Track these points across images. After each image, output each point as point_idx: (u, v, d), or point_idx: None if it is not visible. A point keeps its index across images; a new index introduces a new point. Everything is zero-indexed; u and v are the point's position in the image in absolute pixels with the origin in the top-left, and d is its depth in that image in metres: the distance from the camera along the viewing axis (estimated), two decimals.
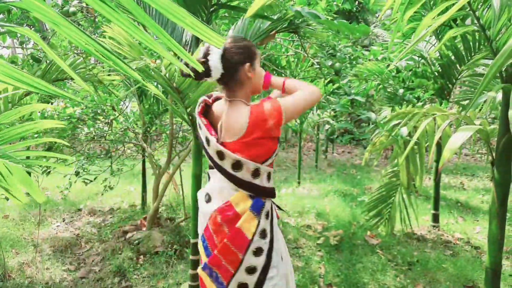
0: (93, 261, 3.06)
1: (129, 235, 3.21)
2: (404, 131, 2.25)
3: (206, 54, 1.42)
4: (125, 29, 0.93)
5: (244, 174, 1.44)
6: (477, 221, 4.29)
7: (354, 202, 4.96)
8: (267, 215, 1.47)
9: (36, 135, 2.40)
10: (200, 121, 1.51)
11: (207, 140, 1.48)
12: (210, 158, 1.50)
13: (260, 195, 1.47)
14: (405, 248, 3.41)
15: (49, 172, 3.17)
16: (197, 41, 2.33)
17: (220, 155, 1.45)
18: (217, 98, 1.62)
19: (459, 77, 3.60)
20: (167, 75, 1.86)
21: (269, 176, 1.50)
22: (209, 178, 1.59)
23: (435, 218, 3.97)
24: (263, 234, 1.46)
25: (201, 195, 1.58)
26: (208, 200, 1.52)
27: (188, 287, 2.46)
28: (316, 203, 4.84)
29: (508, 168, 2.02)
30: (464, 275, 2.87)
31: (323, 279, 2.81)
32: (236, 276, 1.44)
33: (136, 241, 3.11)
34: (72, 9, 2.33)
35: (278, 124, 1.41)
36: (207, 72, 1.43)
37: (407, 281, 2.81)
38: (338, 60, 2.50)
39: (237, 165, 1.43)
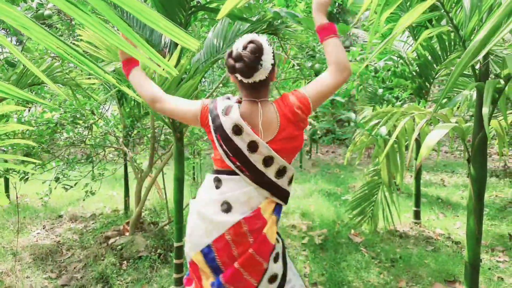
0: (74, 268, 3.00)
1: (111, 240, 3.16)
2: (383, 130, 2.28)
3: (257, 52, 1.31)
4: (97, 32, 0.92)
5: (284, 182, 1.41)
6: (457, 216, 4.39)
7: (338, 201, 5.01)
8: None
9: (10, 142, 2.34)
10: (244, 124, 1.36)
11: (253, 146, 1.35)
12: (247, 164, 1.37)
13: (285, 200, 1.45)
14: (388, 245, 3.46)
15: (27, 178, 3.10)
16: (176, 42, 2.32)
17: (268, 160, 1.37)
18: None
19: (436, 76, 3.68)
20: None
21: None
22: (218, 183, 1.43)
23: (417, 215, 4.04)
24: (278, 238, 1.45)
25: (213, 203, 1.40)
26: (228, 209, 1.38)
27: None
28: (300, 203, 4.87)
29: (484, 164, 2.08)
30: (446, 270, 2.93)
31: (308, 278, 2.83)
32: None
33: (119, 247, 3.06)
34: (47, 12, 2.29)
35: (307, 113, 1.39)
36: (255, 71, 1.33)
37: (391, 277, 2.86)
38: (318, 61, 2.53)
39: (282, 171, 1.40)
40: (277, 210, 1.43)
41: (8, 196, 4.97)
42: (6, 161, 3.44)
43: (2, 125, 1.20)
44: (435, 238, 3.67)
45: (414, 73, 3.69)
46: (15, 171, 3.09)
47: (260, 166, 1.37)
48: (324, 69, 2.66)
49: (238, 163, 1.37)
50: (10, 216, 4.19)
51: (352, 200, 3.86)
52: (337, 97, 2.26)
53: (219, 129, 1.37)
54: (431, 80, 3.73)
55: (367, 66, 2.71)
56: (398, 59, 3.88)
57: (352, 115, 2.27)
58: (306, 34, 2.42)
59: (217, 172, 1.43)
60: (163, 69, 1.37)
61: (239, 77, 1.36)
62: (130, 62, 1.49)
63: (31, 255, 3.22)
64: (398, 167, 2.98)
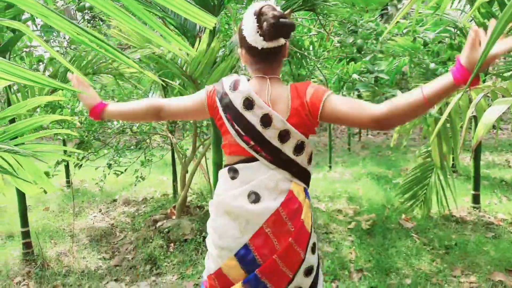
0: (126, 249, 3.16)
1: (159, 223, 3.28)
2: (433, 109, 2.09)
3: (280, 16, 1.19)
4: (127, 25, 0.91)
5: (303, 159, 1.30)
6: None
7: (388, 185, 4.79)
8: None
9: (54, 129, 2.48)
10: (255, 96, 1.26)
11: (267, 120, 1.25)
12: (262, 142, 1.26)
13: (307, 182, 1.35)
14: (442, 231, 3.24)
15: (81, 165, 3.29)
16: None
17: (284, 135, 1.25)
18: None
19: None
20: (178, 63, 1.84)
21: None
22: (234, 174, 1.31)
23: (476, 199, 3.74)
24: (313, 227, 1.34)
25: (238, 197, 1.27)
26: (257, 199, 1.26)
27: None
28: (348, 187, 4.72)
29: None
30: (507, 258, 2.69)
31: (354, 264, 2.74)
32: (294, 281, 1.26)
33: (166, 230, 3.17)
34: (88, 4, 2.35)
35: (312, 118, 1.25)
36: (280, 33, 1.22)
37: (444, 265, 2.67)
38: (360, 37, 2.36)
39: (300, 147, 1.27)
40: (307, 194, 1.34)
41: (68, 182, 5.35)
42: (65, 151, 3.69)
43: (40, 116, 1.24)
44: (497, 223, 3.38)
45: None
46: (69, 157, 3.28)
47: (275, 142, 1.25)
48: (371, 44, 2.48)
49: (252, 142, 1.25)
50: (69, 200, 4.51)
51: (403, 183, 3.65)
52: (381, 74, 2.11)
53: (229, 106, 1.27)
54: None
55: (415, 39, 2.49)
56: (455, 30, 3.54)
57: (398, 93, 2.11)
58: (346, 8, 2.27)
59: (230, 163, 1.32)
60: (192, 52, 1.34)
61: (256, 43, 1.22)
62: (97, 107, 1.40)
63: (88, 237, 3.44)
64: (450, 147, 2.76)
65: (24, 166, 1.31)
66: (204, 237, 3.13)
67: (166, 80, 1.59)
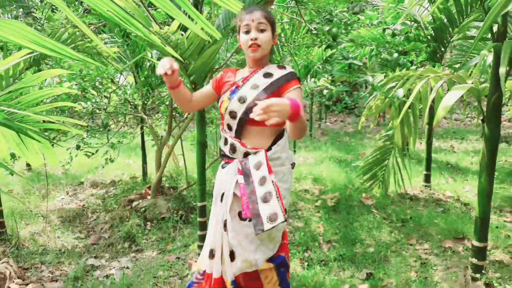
0: (101, 228, 3.18)
1: (135, 203, 3.32)
2: (400, 92, 2.34)
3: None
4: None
5: None
6: (467, 180, 4.48)
7: (348, 168, 5.12)
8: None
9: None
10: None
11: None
12: None
13: None
14: (398, 207, 3.58)
15: (53, 144, 3.22)
16: (195, 7, 2.35)
17: None
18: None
19: (451, 40, 3.67)
20: (172, 40, 1.91)
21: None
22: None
23: (427, 178, 4.14)
24: None
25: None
26: None
27: (197, 247, 2.60)
28: (312, 170, 4.98)
29: (498, 124, 2.14)
30: (455, 228, 3.05)
31: (323, 237, 2.98)
32: None
33: (143, 209, 3.22)
34: None
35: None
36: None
37: (401, 235, 2.99)
38: (335, 25, 2.55)
39: None
40: None
41: (29, 165, 5.15)
42: (44, 121, 3.57)
43: (50, 89, 1.29)
44: (445, 200, 3.78)
45: (429, 37, 3.68)
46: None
47: None
48: (340, 33, 2.68)
49: None
50: (34, 183, 4.37)
51: (364, 165, 3.96)
52: (355, 61, 2.31)
53: None
54: (446, 44, 3.71)
55: (384, 30, 2.72)
56: (412, 23, 3.85)
57: (370, 78, 2.32)
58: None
59: None
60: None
61: None
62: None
63: (59, 218, 3.40)
64: (411, 131, 3.05)
65: (28, 139, 1.35)
66: (181, 216, 3.23)
67: (157, 62, 1.64)
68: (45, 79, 3.25)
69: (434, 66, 3.37)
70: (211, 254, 1.60)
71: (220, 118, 1.70)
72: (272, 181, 1.50)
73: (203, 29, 1.90)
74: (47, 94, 1.31)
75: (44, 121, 1.52)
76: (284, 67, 1.63)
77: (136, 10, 1.72)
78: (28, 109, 1.32)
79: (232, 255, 1.54)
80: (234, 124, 1.59)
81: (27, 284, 2.36)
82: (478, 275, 2.26)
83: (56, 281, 2.42)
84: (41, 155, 1.42)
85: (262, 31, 1.54)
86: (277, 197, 1.49)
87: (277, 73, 1.60)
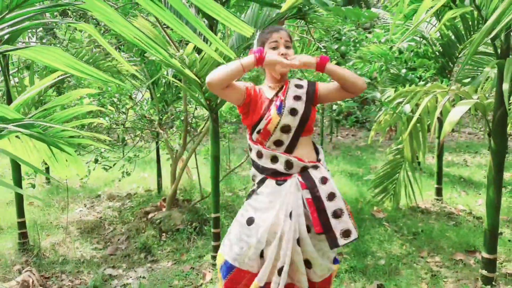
0: (118, 240, 3.29)
1: (150, 215, 3.43)
2: (407, 108, 2.41)
3: None
4: (170, 25, 1.11)
5: None
6: (479, 194, 4.47)
7: (360, 181, 5.15)
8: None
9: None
10: None
11: None
12: None
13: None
14: (410, 220, 3.61)
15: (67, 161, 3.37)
16: (210, 28, 2.49)
17: None
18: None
19: (460, 55, 3.74)
20: (186, 62, 2.03)
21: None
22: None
23: (438, 192, 4.15)
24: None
25: None
26: None
27: (211, 258, 2.68)
28: None
29: (504, 137, 2.19)
30: (466, 241, 3.07)
31: None
32: None
33: (158, 221, 3.32)
34: None
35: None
36: None
37: (413, 248, 3.02)
38: (343, 44, 2.65)
39: None
40: None
41: (48, 179, 5.33)
42: (72, 136, 3.74)
43: (79, 107, 1.41)
44: (457, 213, 3.79)
45: (437, 53, 3.75)
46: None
47: None
48: (349, 51, 2.78)
49: None
50: (52, 196, 4.53)
51: (375, 178, 4.00)
52: (363, 77, 2.40)
53: None
54: (455, 60, 3.78)
55: (391, 47, 2.82)
56: (421, 39, 3.94)
57: (377, 94, 2.41)
58: (333, 18, 2.55)
59: None
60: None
61: None
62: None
63: (78, 229, 3.52)
64: (420, 144, 3.11)
65: (62, 152, 1.47)
66: (195, 227, 3.32)
67: (174, 80, 1.77)
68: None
69: (442, 81, 3.44)
70: (280, 271, 1.57)
71: (233, 132, 1.77)
72: (343, 199, 1.62)
73: (217, 49, 2.04)
74: (77, 111, 1.43)
75: (71, 136, 1.64)
76: (301, 79, 1.83)
77: (155, 36, 1.86)
78: (61, 125, 1.45)
79: (307, 264, 1.62)
80: (287, 138, 1.64)
81: None
82: (488, 287, 2.28)
83: None
84: (69, 167, 1.54)
85: (288, 48, 1.67)
86: (349, 215, 1.59)
87: (304, 83, 1.75)
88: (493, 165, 2.21)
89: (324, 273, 1.67)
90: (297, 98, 1.67)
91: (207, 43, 2.25)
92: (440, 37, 3.69)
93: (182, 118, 3.41)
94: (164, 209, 3.54)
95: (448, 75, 3.86)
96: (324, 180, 1.60)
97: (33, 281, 2.49)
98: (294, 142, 1.64)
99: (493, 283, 2.29)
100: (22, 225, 2.95)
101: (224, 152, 5.32)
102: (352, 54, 2.96)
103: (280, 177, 1.63)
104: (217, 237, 2.61)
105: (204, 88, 2.33)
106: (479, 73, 4.28)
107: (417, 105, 2.79)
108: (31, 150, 1.51)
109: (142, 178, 5.41)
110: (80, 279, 2.66)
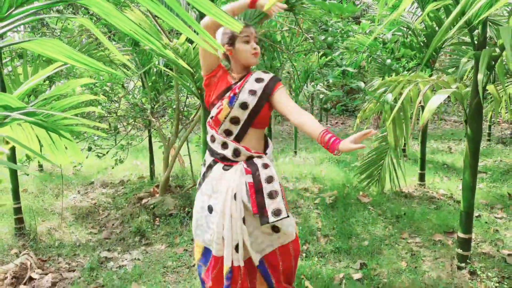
0: (113, 224, 3.39)
1: (144, 201, 3.53)
2: (389, 97, 2.53)
3: None
4: (164, 18, 1.20)
5: None
6: (461, 179, 4.65)
7: (347, 168, 5.31)
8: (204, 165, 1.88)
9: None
10: None
11: None
12: None
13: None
14: (393, 204, 3.77)
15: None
16: (201, 19, 2.56)
17: None
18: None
19: (443, 46, 3.86)
20: (179, 51, 2.11)
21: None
22: None
23: (421, 177, 4.33)
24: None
25: None
26: None
27: None
28: (312, 170, 5.18)
29: (479, 125, 2.33)
30: (446, 223, 3.24)
31: (321, 231, 3.17)
32: None
33: (151, 206, 3.42)
34: None
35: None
36: None
37: (395, 230, 3.18)
38: (330, 35, 2.75)
39: None
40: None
41: (41, 166, 5.37)
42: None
43: (77, 96, 1.49)
44: (438, 198, 3.97)
45: (422, 43, 3.88)
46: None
47: None
48: (336, 42, 2.88)
49: None
50: (47, 183, 4.59)
51: (361, 164, 4.15)
52: (348, 68, 2.51)
53: None
54: (438, 50, 3.91)
55: (376, 38, 2.92)
56: (407, 30, 4.06)
57: (361, 84, 2.52)
58: (319, 10, 2.64)
59: None
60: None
61: None
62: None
63: (72, 215, 3.61)
64: (403, 132, 3.24)
65: (62, 139, 1.55)
66: (188, 212, 3.43)
67: (165, 69, 1.84)
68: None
69: (426, 71, 3.56)
70: (236, 248, 1.72)
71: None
72: (280, 183, 1.74)
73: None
74: (76, 100, 1.51)
75: (69, 124, 1.72)
76: (267, 72, 1.84)
77: (148, 26, 1.93)
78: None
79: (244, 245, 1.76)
80: (235, 129, 1.74)
81: (46, 274, 2.56)
82: (463, 264, 2.45)
83: (73, 271, 2.63)
84: (68, 154, 1.63)
85: (256, 42, 1.76)
86: (282, 197, 1.73)
87: (266, 77, 1.79)
88: (469, 151, 2.36)
89: (263, 247, 1.81)
90: (252, 92, 1.73)
91: (198, 34, 2.33)
92: (424, 28, 3.81)
93: (174, 106, 3.48)
94: (157, 195, 3.64)
95: (432, 65, 3.99)
96: (265, 166, 1.75)
97: (31, 264, 2.59)
98: (243, 133, 1.74)
99: (468, 260, 2.46)
100: (18, 210, 3.03)
101: None
102: (339, 44, 3.06)
103: (227, 162, 1.76)
104: None
105: (195, 77, 2.41)
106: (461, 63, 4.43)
107: (401, 94, 2.92)
108: (32, 138, 1.59)
109: (135, 166, 5.49)
110: (77, 261, 2.76)
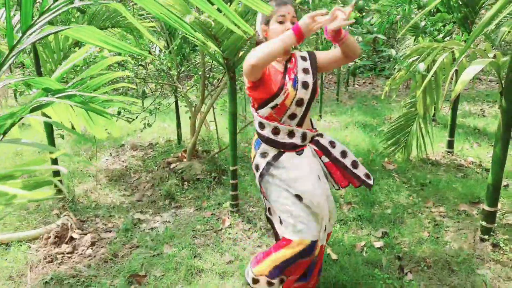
0: (144, 187, 3.56)
1: (172, 165, 3.66)
2: (421, 66, 2.44)
3: None
4: (196, 3, 1.19)
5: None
6: (492, 146, 4.52)
7: (373, 132, 5.25)
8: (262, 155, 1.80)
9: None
10: None
11: None
12: None
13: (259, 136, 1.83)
14: (419, 172, 3.75)
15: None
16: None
17: None
18: None
19: (483, 5, 3.61)
20: (212, 25, 2.10)
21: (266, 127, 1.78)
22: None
23: (450, 144, 4.24)
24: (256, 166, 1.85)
25: None
26: None
27: (229, 205, 2.92)
28: (337, 135, 5.15)
29: None
30: (472, 193, 3.21)
31: (344, 198, 3.22)
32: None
33: (180, 170, 3.56)
34: None
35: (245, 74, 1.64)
36: None
37: (419, 199, 3.19)
38: None
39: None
40: (256, 142, 1.87)
41: (74, 128, 5.60)
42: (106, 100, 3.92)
43: (110, 73, 1.54)
44: (466, 165, 3.90)
45: (460, 2, 3.63)
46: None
47: None
48: (367, 5, 2.75)
49: None
50: (81, 145, 4.81)
51: (388, 130, 4.09)
52: (379, 35, 2.41)
53: None
54: (477, 9, 3.66)
55: (410, 1, 2.77)
56: None
57: (393, 52, 2.43)
58: None
59: None
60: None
61: None
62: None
63: (106, 177, 3.81)
64: (433, 100, 3.15)
65: (95, 115, 1.62)
66: (214, 177, 3.55)
67: (195, 35, 1.81)
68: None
69: (463, 34, 3.37)
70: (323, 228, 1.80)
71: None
72: (350, 151, 1.88)
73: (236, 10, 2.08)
74: (108, 77, 1.56)
75: (105, 100, 1.78)
76: (302, 50, 1.86)
77: (179, 2, 1.91)
78: (94, 92, 1.59)
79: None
80: (300, 111, 1.72)
81: (85, 234, 2.77)
82: (486, 237, 2.46)
83: (110, 231, 2.83)
84: (104, 128, 1.71)
85: (293, 22, 1.68)
86: (360, 164, 1.89)
87: (306, 54, 1.82)
88: (502, 124, 2.28)
89: (334, 221, 1.96)
90: (305, 71, 1.74)
91: (228, 4, 2.29)
92: None
93: (200, 73, 3.49)
94: (185, 160, 3.76)
95: (470, 26, 3.76)
96: (332, 144, 1.84)
97: (71, 224, 2.79)
98: (306, 114, 1.75)
99: (491, 233, 2.47)
100: (56, 173, 3.22)
101: (240, 104, 5.43)
102: (370, 6, 2.92)
103: (297, 149, 1.76)
104: (235, 187, 2.82)
105: (222, 47, 2.40)
106: (504, 20, 4.14)
107: (434, 61, 2.80)
108: (71, 114, 1.67)
109: (162, 128, 5.63)
110: (112, 222, 2.96)
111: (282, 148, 1.76)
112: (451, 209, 3.00)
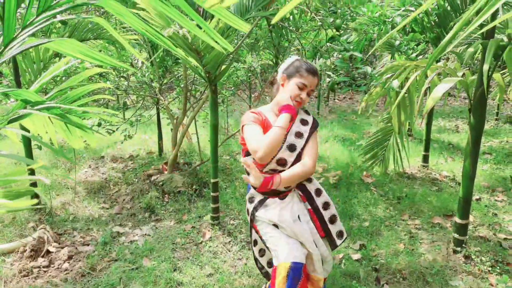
0: (124, 200, 3.53)
1: (153, 178, 3.65)
2: (395, 83, 2.55)
3: None
4: (175, 19, 1.23)
5: None
6: None
7: (352, 146, 5.36)
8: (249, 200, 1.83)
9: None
10: None
11: None
12: None
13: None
14: (396, 185, 3.85)
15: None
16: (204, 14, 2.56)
17: None
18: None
19: (454, 25, 3.80)
20: (189, 40, 2.14)
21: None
22: None
23: (425, 159, 4.38)
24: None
25: None
26: None
27: (210, 218, 2.93)
28: None
29: (482, 114, 2.36)
30: (446, 206, 3.32)
31: None
32: None
33: (160, 183, 3.54)
34: None
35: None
36: None
37: (395, 212, 3.28)
38: (338, 17, 2.73)
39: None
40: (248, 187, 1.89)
41: (52, 141, 5.50)
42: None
43: (90, 85, 1.55)
44: (440, 179, 4.03)
45: (433, 23, 3.81)
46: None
47: None
48: (345, 22, 2.86)
49: None
50: (60, 156, 4.73)
51: (366, 145, 4.20)
52: (355, 53, 2.51)
53: None
54: (449, 30, 3.85)
55: (384, 22, 2.89)
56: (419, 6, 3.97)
57: (368, 69, 2.53)
58: None
59: None
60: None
61: None
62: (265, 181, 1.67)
63: (85, 189, 3.75)
64: (408, 115, 3.27)
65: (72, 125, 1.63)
66: (195, 190, 3.55)
67: (176, 50, 1.84)
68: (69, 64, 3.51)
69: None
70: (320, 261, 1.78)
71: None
72: (332, 203, 1.85)
73: (217, 26, 2.12)
74: (89, 88, 1.57)
75: (84, 112, 1.79)
76: (308, 112, 1.87)
77: (160, 14, 1.95)
78: (74, 103, 1.60)
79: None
80: (281, 168, 1.70)
81: (62, 247, 2.72)
82: (459, 248, 2.55)
83: (88, 245, 2.78)
84: (82, 139, 1.72)
85: (309, 94, 1.73)
86: (338, 219, 1.86)
87: (309, 119, 1.82)
88: (470, 140, 2.39)
89: (330, 269, 1.86)
90: (299, 135, 1.72)
91: (209, 20, 2.34)
92: (436, 7, 3.74)
93: (182, 85, 3.52)
94: (166, 172, 3.76)
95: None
96: (318, 192, 1.82)
97: (48, 237, 2.74)
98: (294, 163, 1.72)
99: (464, 245, 2.56)
100: (33, 185, 3.16)
101: (222, 117, 5.46)
102: (348, 25, 3.04)
103: (281, 195, 1.76)
104: (216, 200, 2.83)
105: (203, 61, 2.45)
106: (474, 41, 4.35)
107: (407, 78, 2.93)
108: (48, 125, 1.67)
109: (143, 140, 5.60)
110: (91, 235, 2.92)
111: (266, 194, 1.77)
112: (426, 222, 3.09)
